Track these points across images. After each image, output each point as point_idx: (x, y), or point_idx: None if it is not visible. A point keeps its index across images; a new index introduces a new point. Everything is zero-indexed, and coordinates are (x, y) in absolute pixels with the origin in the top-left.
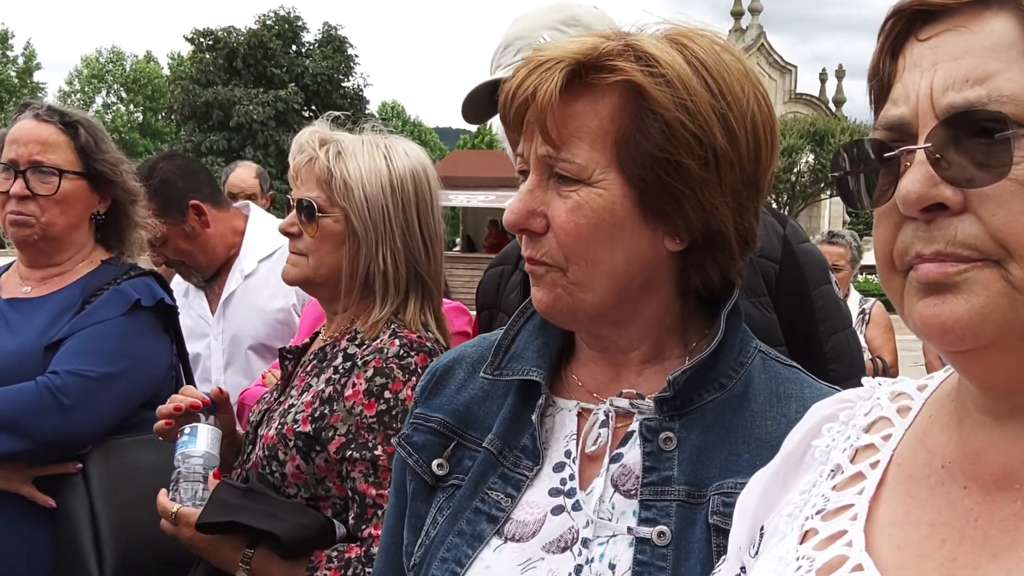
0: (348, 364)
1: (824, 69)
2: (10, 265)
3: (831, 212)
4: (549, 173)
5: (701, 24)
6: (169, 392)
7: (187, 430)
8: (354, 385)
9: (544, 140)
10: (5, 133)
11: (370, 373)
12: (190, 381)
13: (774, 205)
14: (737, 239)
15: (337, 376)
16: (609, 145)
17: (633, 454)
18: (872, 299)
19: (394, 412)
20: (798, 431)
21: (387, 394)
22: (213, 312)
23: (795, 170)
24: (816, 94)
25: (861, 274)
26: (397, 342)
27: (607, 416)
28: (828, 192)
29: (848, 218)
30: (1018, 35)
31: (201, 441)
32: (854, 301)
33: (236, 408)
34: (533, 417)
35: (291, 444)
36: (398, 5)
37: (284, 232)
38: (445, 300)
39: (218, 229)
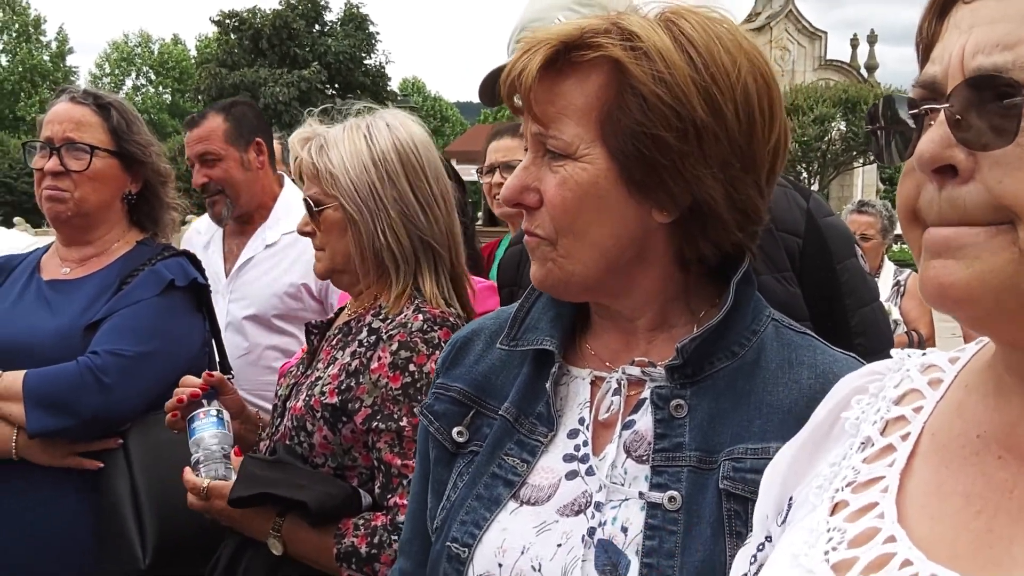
0: (373, 338)
1: (855, 34)
2: (49, 247)
3: (864, 181)
4: (543, 150)
5: (707, 2)
6: (203, 368)
7: (194, 419)
8: (379, 358)
9: (532, 119)
10: (43, 116)
11: (395, 347)
12: (223, 357)
13: (804, 174)
14: (731, 212)
15: (363, 349)
16: (593, 121)
17: (645, 421)
18: (907, 270)
19: (419, 384)
20: (827, 403)
21: (411, 367)
22: (227, 273)
23: (826, 138)
24: (847, 60)
25: (896, 243)
26: (421, 317)
27: (619, 384)
28: (861, 160)
29: (882, 186)
30: None
31: (208, 425)
32: (888, 272)
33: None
34: (547, 385)
35: (318, 415)
36: None
37: (302, 233)
38: (478, 279)
39: (265, 178)
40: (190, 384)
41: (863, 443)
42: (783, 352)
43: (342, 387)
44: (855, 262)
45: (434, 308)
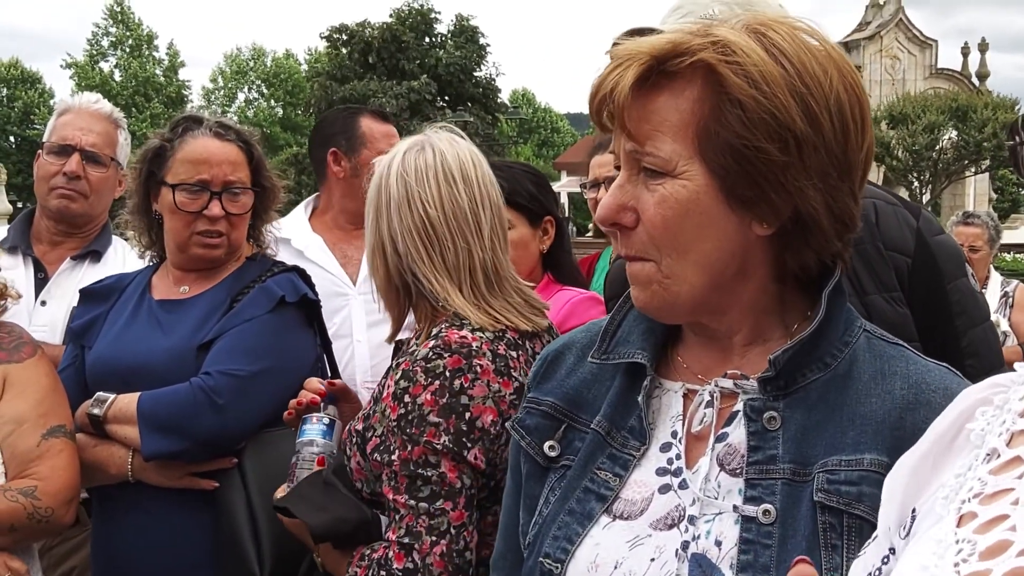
0: (394, 364)
1: (966, 42)
2: (159, 265)
3: (976, 190)
4: (638, 168)
5: (787, 13)
6: None
7: (306, 421)
8: (388, 387)
9: (626, 136)
10: (161, 146)
11: (399, 375)
12: (335, 372)
13: (916, 183)
14: (831, 221)
15: (385, 377)
16: (690, 137)
17: (738, 434)
18: (1015, 281)
19: (410, 417)
20: (948, 414)
21: (407, 398)
22: (352, 278)
23: (937, 147)
24: (958, 69)
25: (1009, 252)
26: (431, 344)
27: (712, 397)
28: (972, 169)
29: (994, 195)
30: None
31: (314, 431)
32: (995, 283)
33: None
34: (639, 398)
35: (353, 441)
36: None
37: None
38: (578, 290)
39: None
40: (312, 389)
41: (988, 454)
42: (875, 363)
43: (368, 414)
44: (965, 282)
45: (455, 332)
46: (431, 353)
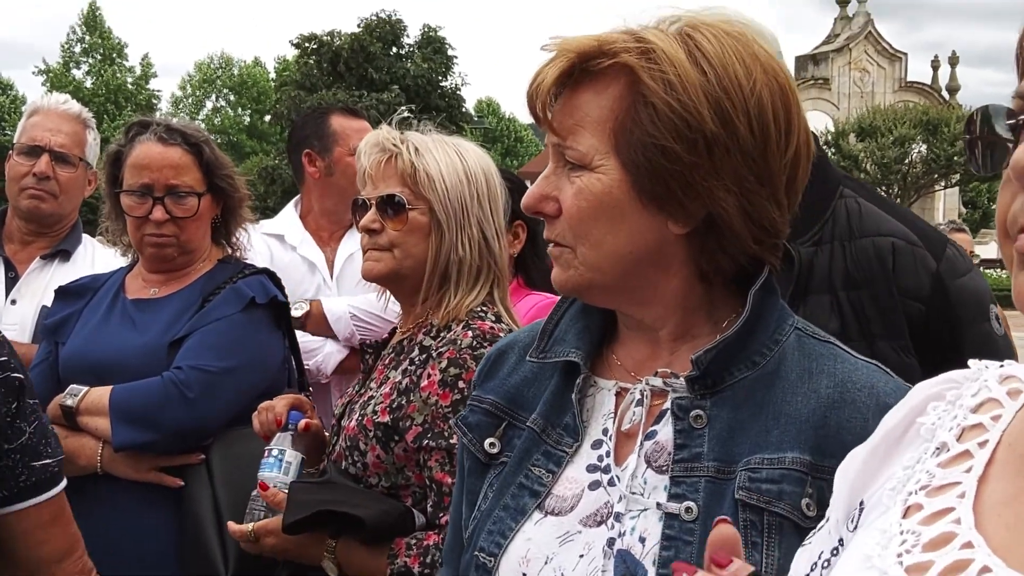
0: (423, 356)
1: (936, 56)
2: (132, 266)
3: (946, 204)
4: (563, 160)
5: (725, 13)
6: (282, 384)
7: (274, 452)
8: (429, 376)
9: (550, 129)
10: (118, 151)
11: (444, 364)
12: (300, 374)
13: (885, 195)
14: (747, 225)
15: (413, 368)
16: (608, 132)
17: (666, 431)
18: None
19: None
20: (900, 409)
21: (461, 383)
22: (331, 271)
23: (907, 160)
24: (928, 82)
25: (992, 269)
26: (470, 333)
27: (642, 395)
28: (942, 183)
29: (964, 210)
30: None
31: (266, 466)
32: None
33: None
34: (573, 396)
35: (371, 434)
36: (496, 1)
37: (366, 229)
38: (547, 295)
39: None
40: (276, 413)
41: (938, 448)
42: (804, 362)
43: (393, 406)
44: (986, 327)
45: (484, 324)
46: (474, 342)
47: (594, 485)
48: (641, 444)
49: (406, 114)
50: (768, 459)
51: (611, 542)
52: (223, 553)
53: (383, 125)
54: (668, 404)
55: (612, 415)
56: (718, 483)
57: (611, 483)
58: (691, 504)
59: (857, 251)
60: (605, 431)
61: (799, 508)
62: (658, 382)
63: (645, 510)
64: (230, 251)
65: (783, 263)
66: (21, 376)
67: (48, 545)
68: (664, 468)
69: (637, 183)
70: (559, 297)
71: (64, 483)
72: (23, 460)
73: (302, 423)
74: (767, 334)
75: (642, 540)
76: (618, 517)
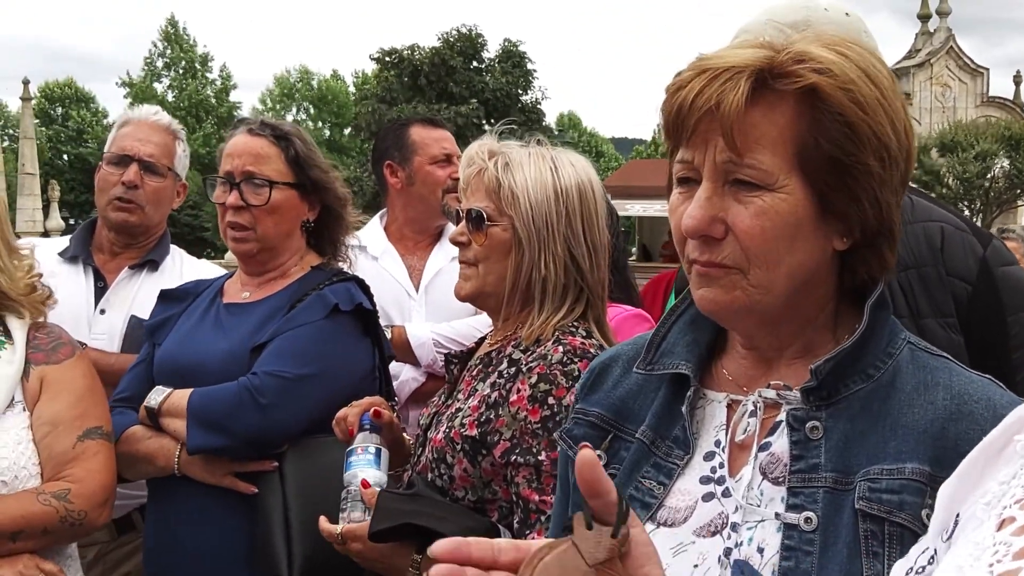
0: (513, 370)
1: (1018, 71)
2: (235, 272)
3: None
4: (725, 180)
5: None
6: (371, 393)
7: (352, 453)
8: (519, 391)
9: (729, 148)
10: (223, 148)
11: (534, 379)
12: (389, 384)
13: (967, 212)
14: (887, 237)
15: (502, 381)
16: (789, 151)
17: (781, 443)
18: None
19: (557, 418)
20: (1000, 426)
21: (551, 400)
22: (415, 286)
23: (989, 175)
24: (1010, 97)
25: None
26: (561, 349)
27: (755, 407)
28: None
29: None
30: None
31: (362, 463)
32: None
33: None
34: (683, 408)
35: (458, 447)
36: (576, 16)
37: (454, 242)
38: (627, 307)
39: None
40: (361, 407)
41: None
42: (918, 374)
43: (482, 419)
44: None
45: (575, 339)
46: (565, 358)
47: (708, 496)
48: (755, 455)
49: (508, 127)
50: (888, 470)
51: (728, 552)
52: (288, 565)
53: (485, 135)
54: (782, 416)
55: (724, 427)
56: (836, 494)
57: (725, 494)
58: (810, 514)
59: (908, 235)
60: (718, 443)
61: (919, 518)
62: (771, 394)
63: (763, 521)
64: (329, 258)
65: None
66: None
67: None
68: (780, 479)
69: (823, 201)
70: (637, 310)
71: None
72: None
73: (371, 411)
74: (881, 347)
75: (760, 550)
76: (735, 527)
